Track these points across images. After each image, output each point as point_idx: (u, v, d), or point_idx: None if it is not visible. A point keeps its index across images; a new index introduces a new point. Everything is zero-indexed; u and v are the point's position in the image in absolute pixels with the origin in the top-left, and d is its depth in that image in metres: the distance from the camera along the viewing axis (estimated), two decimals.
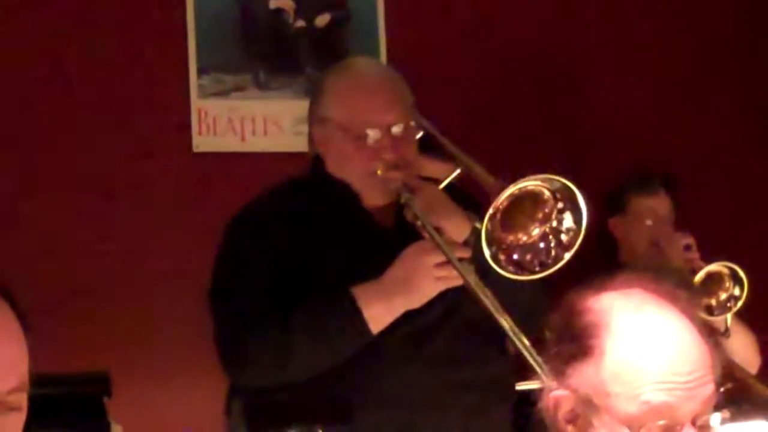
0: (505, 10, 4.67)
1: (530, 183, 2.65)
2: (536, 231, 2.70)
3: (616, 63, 4.79)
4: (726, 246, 3.93)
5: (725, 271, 3.82)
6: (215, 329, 2.84)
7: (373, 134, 2.85)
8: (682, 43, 4.85)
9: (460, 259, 2.72)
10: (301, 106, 4.18)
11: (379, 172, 2.85)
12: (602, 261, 4.00)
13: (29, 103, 4.16)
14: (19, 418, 1.66)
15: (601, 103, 4.75)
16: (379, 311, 2.75)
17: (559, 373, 1.84)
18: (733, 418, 2.44)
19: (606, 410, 1.79)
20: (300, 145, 4.24)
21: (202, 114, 4.33)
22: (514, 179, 2.65)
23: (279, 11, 4.45)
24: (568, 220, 2.69)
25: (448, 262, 2.71)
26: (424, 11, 4.60)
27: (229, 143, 4.34)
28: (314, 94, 3.02)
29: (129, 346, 4.01)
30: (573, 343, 1.82)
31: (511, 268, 2.67)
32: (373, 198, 2.91)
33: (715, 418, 1.80)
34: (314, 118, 2.97)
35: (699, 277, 3.81)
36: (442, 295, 2.80)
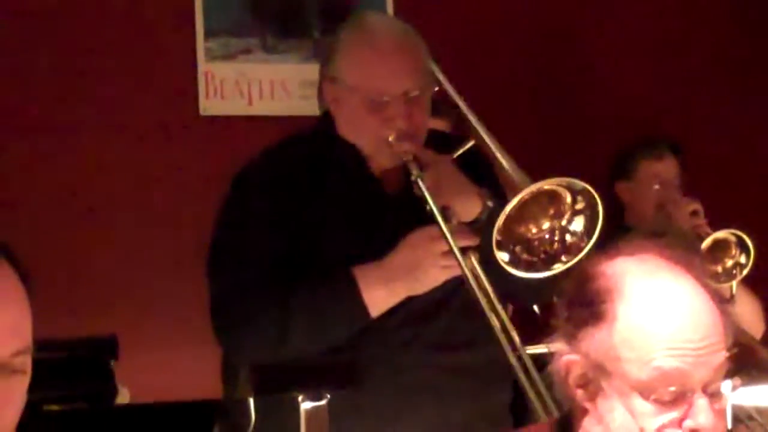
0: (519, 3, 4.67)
1: (553, 184, 2.58)
2: (546, 225, 2.64)
3: (620, 33, 4.79)
4: (732, 214, 3.93)
5: (732, 238, 3.82)
6: (211, 300, 2.80)
7: (386, 100, 2.76)
8: (694, 9, 4.84)
9: (466, 249, 2.66)
10: (309, 69, 4.19)
11: (390, 138, 2.76)
12: (608, 225, 4.00)
13: (34, 69, 4.15)
14: (23, 381, 1.66)
15: (607, 72, 4.75)
16: (380, 295, 2.71)
17: (570, 337, 1.84)
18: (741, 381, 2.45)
19: (617, 375, 1.79)
20: (307, 108, 4.24)
21: (209, 77, 4.32)
22: (532, 170, 2.60)
23: None
24: (578, 224, 2.62)
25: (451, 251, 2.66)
26: None
27: (237, 107, 4.33)
28: (327, 50, 2.92)
29: (135, 310, 4.02)
30: (585, 308, 1.82)
31: (519, 265, 2.60)
32: (382, 162, 2.85)
33: (726, 386, 1.80)
34: (326, 76, 2.87)
35: (706, 243, 3.81)
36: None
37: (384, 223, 2.79)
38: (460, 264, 2.65)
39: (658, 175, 4.21)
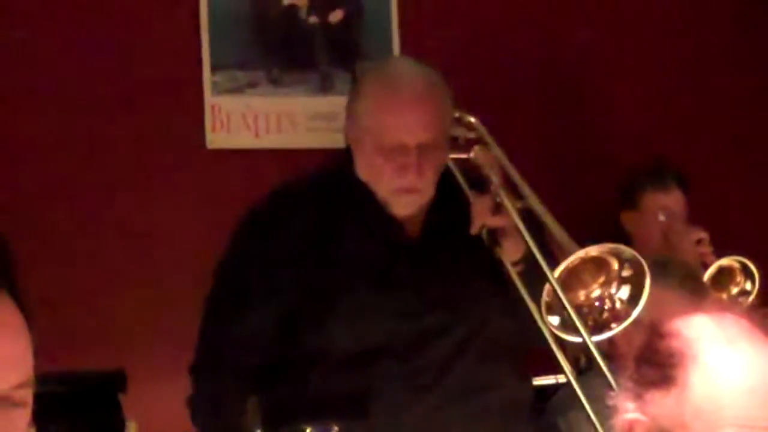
0: (519, 8, 4.66)
1: (601, 252, 2.60)
2: (596, 293, 2.65)
3: (629, 59, 4.79)
4: (738, 241, 3.93)
5: (736, 265, 3.82)
6: (197, 340, 2.89)
7: (400, 151, 2.74)
8: (695, 39, 4.84)
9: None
10: (316, 102, 4.21)
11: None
12: None
13: (39, 100, 4.16)
14: (25, 414, 1.65)
15: (614, 100, 4.75)
16: None
17: (636, 396, 1.78)
18: None
19: None
20: (314, 141, 4.27)
21: (216, 110, 4.33)
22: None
23: (292, 7, 4.45)
24: (624, 292, 2.63)
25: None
26: (437, 7, 4.59)
27: (243, 140, 4.34)
28: (352, 88, 2.93)
29: (144, 344, 4.01)
30: (654, 369, 1.76)
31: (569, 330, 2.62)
32: (399, 209, 2.82)
33: None
34: (349, 114, 2.85)
35: (711, 271, 3.80)
36: (465, 317, 2.78)
37: (399, 270, 2.79)
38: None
39: (664, 206, 4.21)
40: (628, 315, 2.59)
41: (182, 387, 4.02)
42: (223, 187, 4.22)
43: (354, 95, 2.86)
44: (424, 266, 2.79)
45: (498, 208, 2.76)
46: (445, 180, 2.86)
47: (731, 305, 1.82)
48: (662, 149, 4.59)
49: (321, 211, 2.84)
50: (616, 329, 2.61)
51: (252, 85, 4.38)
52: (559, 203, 4.08)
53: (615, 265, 2.62)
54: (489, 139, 2.93)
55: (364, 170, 2.83)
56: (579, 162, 4.67)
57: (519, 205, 2.78)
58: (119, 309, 4.10)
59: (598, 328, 2.63)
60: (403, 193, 2.77)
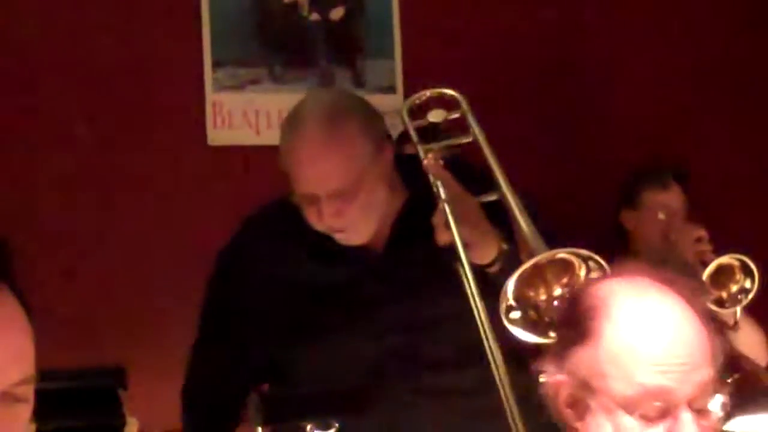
0: (522, 6, 4.67)
1: (563, 255, 2.50)
2: (558, 292, 2.63)
3: (631, 58, 4.79)
4: (737, 239, 3.93)
5: (736, 263, 3.82)
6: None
7: (312, 200, 2.71)
8: (699, 38, 4.84)
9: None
10: None
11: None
12: (614, 253, 3.99)
13: (39, 96, 4.17)
14: (26, 410, 1.65)
15: (615, 97, 4.76)
16: None
17: (558, 358, 1.86)
18: (745, 409, 2.44)
19: (603, 392, 1.80)
20: None
21: (217, 107, 4.33)
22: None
23: (293, 4, 4.45)
24: None
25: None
26: (438, 4, 4.59)
27: (244, 136, 4.34)
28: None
29: (145, 340, 4.02)
30: (572, 329, 1.84)
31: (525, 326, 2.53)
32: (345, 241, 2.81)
33: (715, 403, 1.81)
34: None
35: (710, 269, 3.80)
36: (435, 329, 2.76)
37: (363, 283, 2.78)
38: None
39: (663, 204, 4.22)
40: None
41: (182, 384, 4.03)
42: (224, 184, 4.22)
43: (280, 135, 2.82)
44: (388, 282, 2.77)
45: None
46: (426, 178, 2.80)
47: (641, 267, 1.87)
48: (662, 147, 4.60)
49: (283, 238, 2.83)
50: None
51: (253, 81, 4.38)
52: (560, 202, 4.10)
53: (580, 269, 2.59)
54: (471, 118, 2.85)
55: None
56: (580, 160, 4.67)
57: (495, 196, 2.71)
58: (120, 306, 4.10)
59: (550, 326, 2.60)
60: (332, 233, 2.75)
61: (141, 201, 4.21)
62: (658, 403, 1.77)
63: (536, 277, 2.53)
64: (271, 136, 4.29)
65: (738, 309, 3.81)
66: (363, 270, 2.79)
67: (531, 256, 2.49)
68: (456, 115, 2.86)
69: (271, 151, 4.25)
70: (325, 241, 2.78)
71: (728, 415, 2.54)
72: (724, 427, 2.11)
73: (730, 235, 4.00)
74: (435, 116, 2.83)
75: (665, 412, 1.77)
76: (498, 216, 2.72)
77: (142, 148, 4.22)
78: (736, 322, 3.82)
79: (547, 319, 2.55)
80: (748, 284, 3.81)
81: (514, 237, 2.70)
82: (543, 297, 2.57)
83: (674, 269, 3.07)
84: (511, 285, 2.41)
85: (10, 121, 4.13)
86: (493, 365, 2.59)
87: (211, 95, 4.34)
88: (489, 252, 2.68)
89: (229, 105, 4.35)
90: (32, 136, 4.14)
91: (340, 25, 4.47)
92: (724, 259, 3.82)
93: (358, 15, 4.50)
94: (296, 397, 2.76)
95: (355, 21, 4.49)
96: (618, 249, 4.13)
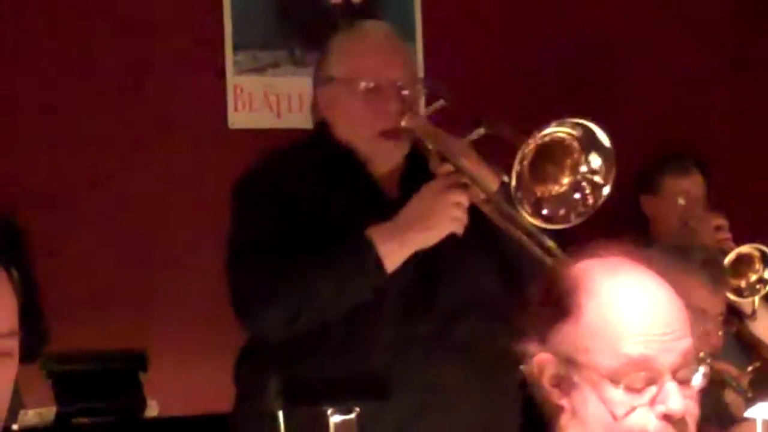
0: None
1: (552, 130, 2.64)
2: (567, 180, 2.68)
3: (652, 43, 4.78)
4: (758, 229, 3.92)
5: (756, 253, 3.81)
6: (232, 291, 2.83)
7: (380, 88, 2.82)
8: (719, 25, 4.82)
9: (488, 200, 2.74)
10: None
11: (403, 122, 2.81)
12: (632, 239, 3.97)
13: (61, 81, 4.18)
14: (9, 364, 1.67)
15: (637, 83, 4.74)
16: (393, 247, 2.73)
17: (541, 337, 1.87)
18: (766, 395, 2.44)
19: (587, 366, 1.81)
20: None
21: (238, 90, 4.34)
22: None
23: None
24: (596, 161, 2.68)
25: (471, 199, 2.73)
26: None
27: (265, 120, 4.35)
28: (319, 57, 2.99)
29: (165, 323, 4.03)
30: (553, 307, 1.86)
31: (542, 220, 2.66)
32: (380, 162, 2.88)
33: (697, 375, 1.83)
34: (319, 81, 2.94)
35: (729, 258, 3.79)
36: (451, 270, 2.80)
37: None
38: (477, 197, 2.72)
39: (684, 190, 4.21)
40: (610, 177, 2.66)
41: (203, 366, 4.04)
42: (246, 167, 4.22)
43: (321, 60, 2.95)
44: None
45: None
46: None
47: (615, 247, 1.90)
48: (683, 134, 4.58)
49: (308, 176, 2.86)
50: (606, 193, 2.67)
51: (274, 65, 4.39)
52: None
53: (576, 147, 2.64)
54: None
55: (344, 127, 2.88)
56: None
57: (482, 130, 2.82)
58: (140, 289, 4.11)
59: (591, 208, 2.68)
60: (385, 140, 2.82)
61: (163, 183, 4.21)
62: (643, 373, 1.79)
63: (541, 172, 2.62)
64: (291, 119, 4.31)
65: (756, 298, 3.81)
66: (383, 207, 2.83)
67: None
68: None
69: (292, 133, 4.29)
70: (345, 176, 2.84)
71: (749, 402, 2.55)
72: (745, 414, 2.12)
73: (748, 225, 3.99)
74: None
75: (650, 382, 1.79)
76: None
77: (164, 131, 4.23)
78: (754, 311, 3.81)
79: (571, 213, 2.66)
80: (767, 274, 3.80)
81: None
82: (556, 188, 2.67)
83: (695, 254, 3.08)
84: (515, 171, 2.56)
85: (32, 103, 4.14)
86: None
87: (231, 79, 4.34)
88: (491, 184, 2.78)
89: (250, 88, 4.35)
90: (56, 118, 4.15)
91: (361, 8, 4.47)
92: (745, 249, 3.81)
93: None
94: (317, 381, 2.76)
95: (377, 4, 4.49)
96: (637, 235, 4.12)
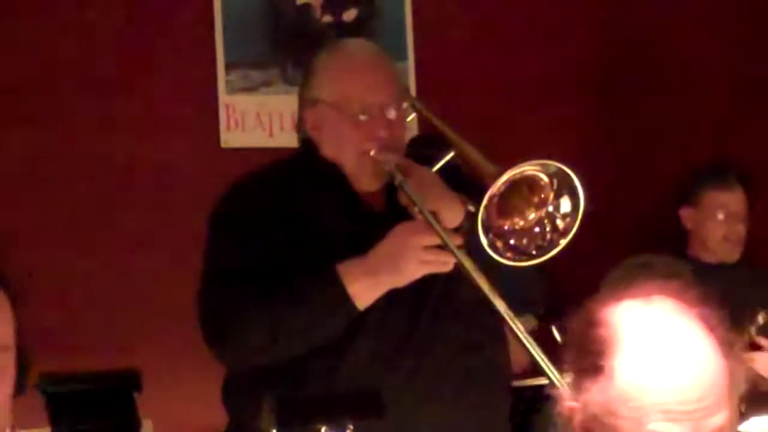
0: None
1: (527, 168, 2.61)
2: (532, 216, 2.67)
3: (693, 55, 4.77)
4: None
5: None
6: (201, 318, 2.87)
7: (367, 113, 2.81)
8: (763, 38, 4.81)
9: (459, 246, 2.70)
10: None
11: (372, 152, 2.81)
12: (671, 251, 3.95)
13: (52, 97, 4.18)
14: (8, 378, 1.68)
15: (682, 92, 4.72)
16: (364, 287, 2.71)
17: (574, 384, 1.83)
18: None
19: (614, 430, 1.77)
20: None
21: (230, 109, 4.34)
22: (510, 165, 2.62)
23: (306, 6, 4.46)
24: (565, 205, 2.65)
25: (442, 246, 2.68)
26: (451, 7, 4.59)
27: (257, 139, 4.35)
28: (305, 76, 2.96)
29: (159, 343, 4.02)
30: (586, 358, 1.80)
31: (508, 254, 2.64)
32: (365, 181, 2.87)
33: None
34: (305, 101, 2.91)
35: None
36: (433, 281, 2.79)
37: (367, 241, 2.77)
38: (454, 254, 2.67)
39: (724, 205, 4.16)
40: (572, 227, 2.62)
41: (197, 385, 4.03)
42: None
43: (307, 80, 2.92)
44: None
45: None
46: None
47: (660, 286, 1.83)
48: (727, 146, 4.54)
49: (287, 193, 2.86)
50: (564, 242, 2.63)
51: (266, 83, 4.39)
52: (619, 194, 4.08)
53: (547, 186, 2.64)
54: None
55: (329, 148, 2.87)
56: (641, 154, 4.64)
57: (449, 155, 2.86)
58: (133, 309, 4.11)
59: (544, 249, 2.65)
60: (377, 155, 2.81)
61: (155, 202, 4.21)
62: None
63: (509, 203, 2.62)
64: (284, 138, 4.31)
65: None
66: (370, 222, 2.82)
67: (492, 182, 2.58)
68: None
69: (284, 153, 4.29)
70: (331, 193, 2.84)
71: (742, 417, 2.53)
72: (740, 428, 2.09)
73: None
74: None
75: None
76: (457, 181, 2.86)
77: (156, 150, 4.23)
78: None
79: (526, 243, 2.64)
80: None
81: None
82: (520, 223, 2.65)
83: (661, 270, 3.05)
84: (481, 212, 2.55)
85: (29, 118, 4.14)
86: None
87: (224, 97, 4.34)
88: (456, 215, 2.77)
89: (242, 107, 4.36)
90: (49, 135, 4.15)
91: (352, 27, 4.48)
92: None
93: (371, 17, 4.50)
94: (310, 399, 2.76)
95: (368, 23, 4.50)
96: (676, 248, 4.10)
